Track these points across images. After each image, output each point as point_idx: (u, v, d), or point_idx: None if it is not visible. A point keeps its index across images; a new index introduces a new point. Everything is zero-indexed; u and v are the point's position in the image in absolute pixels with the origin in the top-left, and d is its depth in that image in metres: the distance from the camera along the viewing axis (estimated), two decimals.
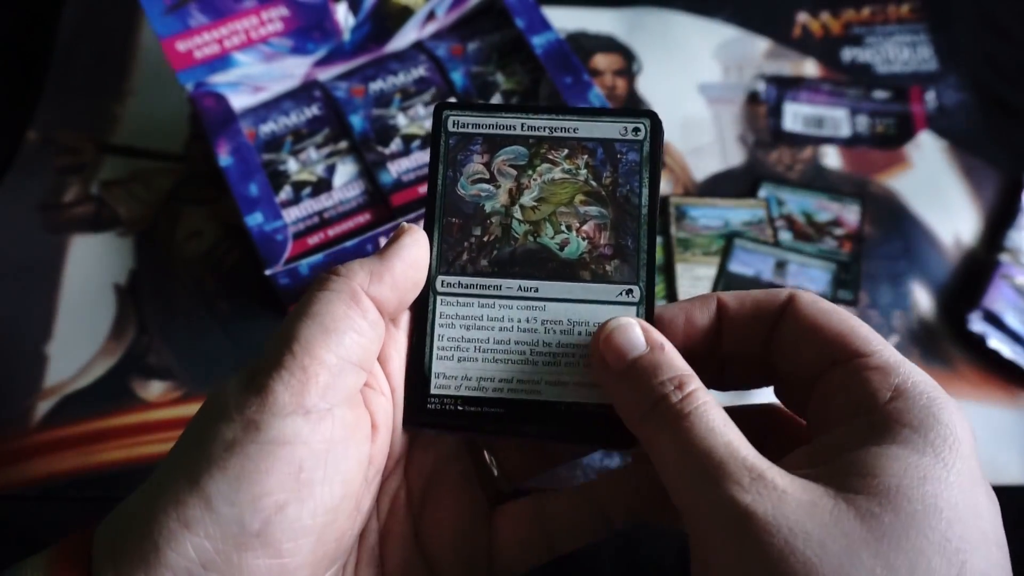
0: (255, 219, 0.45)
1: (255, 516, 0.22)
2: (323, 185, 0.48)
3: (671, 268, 0.50)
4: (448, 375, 0.28)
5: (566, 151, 0.29)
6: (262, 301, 0.48)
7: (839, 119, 0.57)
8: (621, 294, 0.28)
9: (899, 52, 0.60)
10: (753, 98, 0.57)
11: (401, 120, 0.50)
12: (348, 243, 0.45)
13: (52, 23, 0.59)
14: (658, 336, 0.25)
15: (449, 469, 0.30)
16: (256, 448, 0.23)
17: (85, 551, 0.24)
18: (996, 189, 0.54)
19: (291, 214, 0.47)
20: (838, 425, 0.23)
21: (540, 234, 0.28)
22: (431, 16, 0.53)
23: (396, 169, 0.48)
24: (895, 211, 0.53)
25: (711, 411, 0.23)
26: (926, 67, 0.59)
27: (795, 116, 0.57)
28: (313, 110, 0.51)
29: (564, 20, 0.59)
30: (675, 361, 0.24)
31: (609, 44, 0.59)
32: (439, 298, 0.28)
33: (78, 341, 0.47)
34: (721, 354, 0.28)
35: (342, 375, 0.24)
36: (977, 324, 0.48)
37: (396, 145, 0.49)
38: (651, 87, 0.58)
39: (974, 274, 0.50)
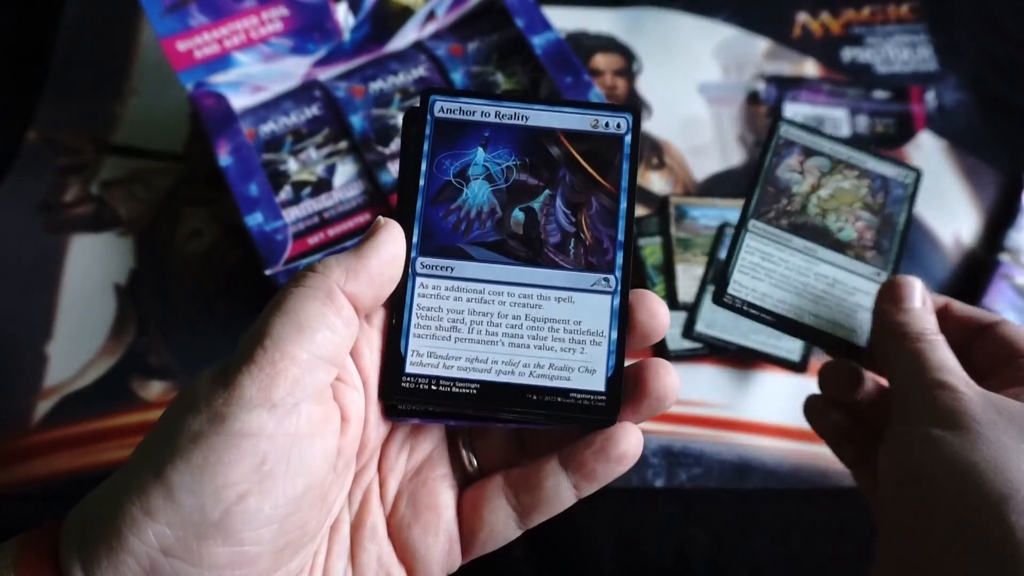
0: (255, 219, 0.45)
1: (216, 506, 0.23)
2: (323, 185, 0.48)
3: (671, 268, 0.50)
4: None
5: (856, 173, 0.37)
6: (262, 301, 0.48)
7: (839, 119, 0.57)
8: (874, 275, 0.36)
9: (899, 52, 0.60)
10: (753, 98, 0.57)
11: (401, 120, 0.50)
12: (348, 243, 0.45)
13: (52, 23, 0.59)
14: (931, 304, 0.34)
15: (423, 464, 0.30)
16: (220, 440, 0.23)
17: (53, 538, 0.24)
18: (996, 189, 0.54)
19: (291, 214, 0.47)
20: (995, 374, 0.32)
21: (826, 218, 0.37)
22: (431, 16, 0.53)
23: (396, 169, 0.48)
24: None
25: (950, 352, 0.32)
26: (926, 67, 0.59)
27: (795, 116, 0.57)
28: (313, 110, 0.51)
29: (564, 20, 0.59)
30: (936, 324, 0.33)
31: (609, 44, 0.59)
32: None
33: (78, 341, 0.47)
34: None
35: (312, 371, 0.25)
36: None
37: (396, 145, 0.49)
38: (651, 87, 0.58)
39: (974, 274, 0.50)
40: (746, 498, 0.45)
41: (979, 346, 0.34)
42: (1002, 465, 0.27)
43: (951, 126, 0.56)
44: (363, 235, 0.28)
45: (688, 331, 0.48)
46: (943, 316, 0.35)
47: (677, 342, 0.48)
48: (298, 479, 0.24)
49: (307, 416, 0.25)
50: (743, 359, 0.48)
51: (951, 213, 0.53)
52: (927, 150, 0.55)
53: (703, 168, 0.55)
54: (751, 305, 0.37)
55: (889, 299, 0.34)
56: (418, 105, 0.30)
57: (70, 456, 0.44)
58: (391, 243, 0.27)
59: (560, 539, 0.43)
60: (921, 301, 0.34)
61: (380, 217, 0.28)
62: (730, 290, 0.37)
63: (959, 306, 0.35)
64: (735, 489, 0.45)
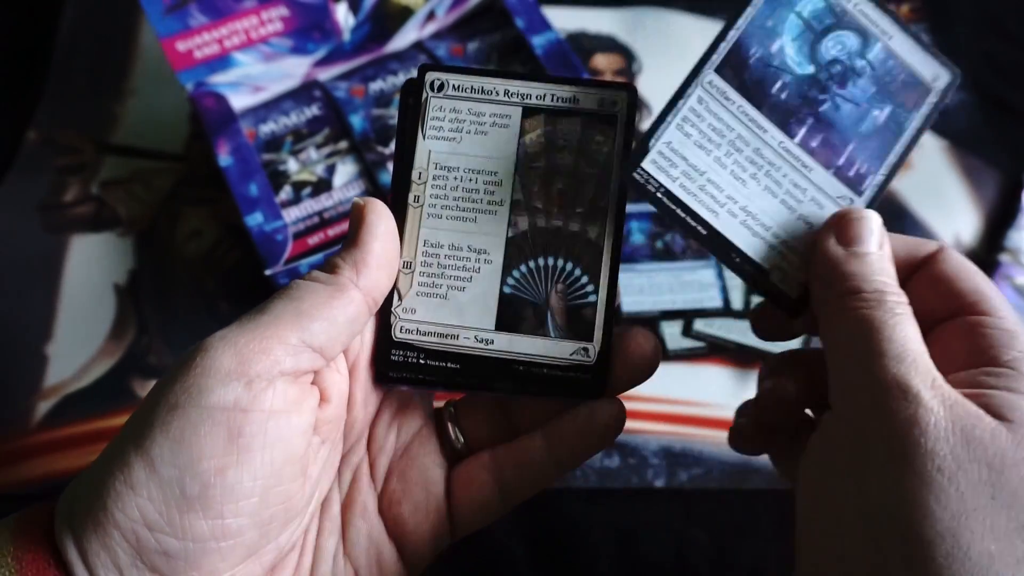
0: (255, 219, 0.45)
1: (195, 480, 0.23)
2: (323, 185, 0.48)
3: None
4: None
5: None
6: (262, 301, 0.48)
7: None
8: None
9: None
10: None
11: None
12: None
13: (52, 23, 0.59)
14: (889, 250, 0.26)
15: (412, 441, 0.30)
16: (196, 412, 0.23)
17: (48, 514, 0.25)
18: (996, 189, 0.54)
19: (291, 214, 0.47)
20: (957, 371, 0.25)
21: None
22: (431, 16, 0.53)
23: None
24: (895, 211, 0.53)
25: (914, 326, 0.25)
26: None
27: None
28: (313, 110, 0.51)
29: (564, 20, 0.59)
30: (896, 276, 0.26)
31: (609, 44, 0.59)
32: None
33: (78, 341, 0.47)
34: None
35: (296, 355, 0.25)
36: None
37: None
38: (651, 87, 0.58)
39: None
40: (746, 498, 0.45)
41: (916, 288, 0.27)
42: (959, 538, 0.21)
43: (951, 126, 0.56)
44: (351, 224, 0.28)
45: (687, 329, 0.48)
46: None
47: (677, 341, 0.48)
48: (276, 452, 0.25)
49: (282, 394, 0.25)
50: (744, 358, 0.48)
51: (951, 213, 0.53)
52: (927, 150, 0.55)
53: None
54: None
55: (835, 238, 0.26)
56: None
57: (70, 456, 0.44)
58: (382, 220, 0.27)
59: (560, 539, 0.43)
60: (879, 244, 0.26)
61: (358, 200, 0.28)
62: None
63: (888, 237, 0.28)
64: (735, 489, 0.45)
